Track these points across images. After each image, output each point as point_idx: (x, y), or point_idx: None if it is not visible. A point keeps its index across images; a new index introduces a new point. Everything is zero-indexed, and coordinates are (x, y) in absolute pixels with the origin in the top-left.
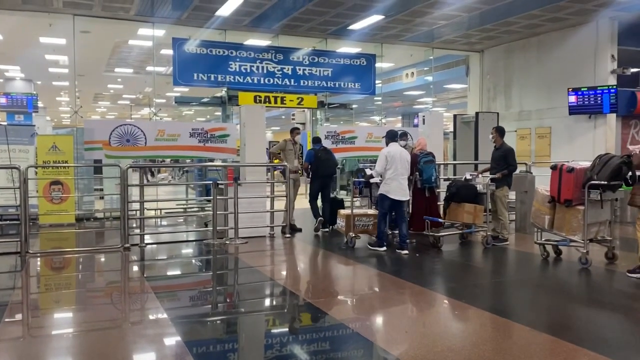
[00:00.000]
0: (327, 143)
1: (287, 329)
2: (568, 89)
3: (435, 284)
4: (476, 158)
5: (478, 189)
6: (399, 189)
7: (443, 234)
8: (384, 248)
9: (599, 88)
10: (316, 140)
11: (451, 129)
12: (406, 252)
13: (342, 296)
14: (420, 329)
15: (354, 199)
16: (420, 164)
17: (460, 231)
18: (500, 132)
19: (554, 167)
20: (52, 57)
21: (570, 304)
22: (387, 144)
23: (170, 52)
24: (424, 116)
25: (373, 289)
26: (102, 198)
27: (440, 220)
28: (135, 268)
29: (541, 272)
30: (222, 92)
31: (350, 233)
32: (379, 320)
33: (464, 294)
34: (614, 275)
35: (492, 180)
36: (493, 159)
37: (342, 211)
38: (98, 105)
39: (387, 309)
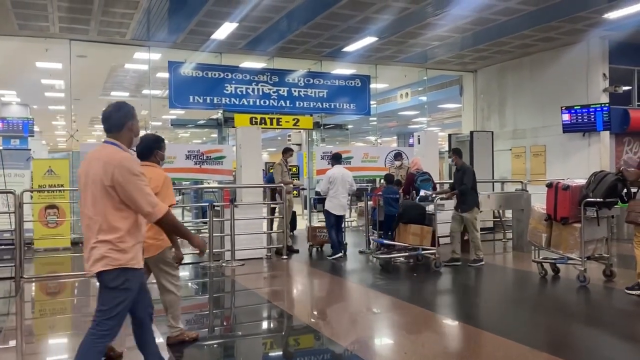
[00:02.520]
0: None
1: (284, 352)
2: (561, 107)
3: (438, 305)
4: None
5: (427, 209)
6: (339, 206)
7: (387, 256)
8: (340, 254)
9: (592, 106)
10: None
11: (447, 148)
12: (339, 255)
13: (338, 317)
14: (419, 350)
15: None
16: (417, 182)
17: (406, 253)
18: (457, 153)
19: (549, 185)
20: (48, 82)
21: (569, 322)
22: (332, 166)
23: (166, 75)
24: (419, 136)
25: (371, 309)
26: None
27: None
28: None
29: (540, 291)
30: (218, 114)
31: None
32: (376, 340)
33: (462, 313)
34: (612, 293)
35: (442, 199)
36: (454, 180)
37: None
38: (94, 128)
39: (384, 329)
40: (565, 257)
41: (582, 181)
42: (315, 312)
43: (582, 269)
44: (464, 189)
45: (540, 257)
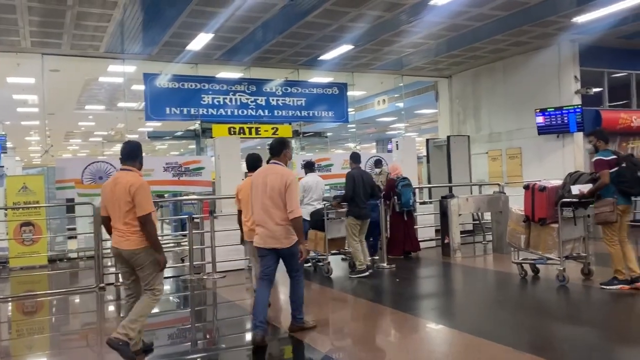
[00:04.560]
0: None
1: None
2: (535, 109)
3: (418, 308)
4: (450, 180)
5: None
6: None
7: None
8: (309, 264)
9: (564, 108)
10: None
11: (425, 153)
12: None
13: (323, 326)
14: (404, 354)
15: None
16: (399, 187)
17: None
18: (351, 158)
19: (526, 187)
20: (20, 97)
21: (551, 322)
22: (305, 174)
23: (141, 87)
24: (397, 142)
25: (356, 317)
26: (74, 237)
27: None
28: (112, 308)
29: (520, 292)
30: (195, 125)
31: None
32: (362, 349)
33: (445, 316)
34: (591, 291)
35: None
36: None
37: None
38: (69, 143)
39: (367, 336)
40: (544, 258)
41: (558, 182)
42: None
43: (561, 268)
44: (345, 195)
45: (520, 258)
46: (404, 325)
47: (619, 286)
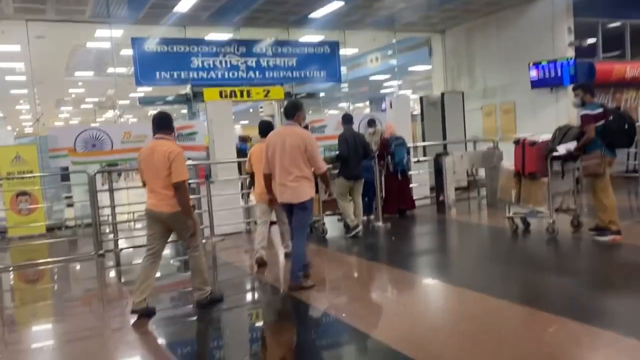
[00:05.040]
0: None
1: (270, 322)
2: (529, 63)
3: (414, 265)
4: (444, 138)
5: None
6: None
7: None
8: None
9: (558, 61)
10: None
11: (419, 111)
12: None
13: (321, 285)
14: (401, 309)
15: None
16: (392, 147)
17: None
18: (343, 119)
19: (516, 142)
20: (7, 65)
21: (542, 273)
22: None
23: (130, 52)
24: (390, 101)
25: (353, 276)
26: (71, 206)
27: None
28: (111, 274)
29: (512, 245)
30: (186, 90)
31: None
32: (360, 306)
33: (438, 271)
34: (581, 242)
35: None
36: None
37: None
38: (61, 111)
39: (365, 293)
40: (535, 211)
41: (548, 136)
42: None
43: (551, 221)
44: (340, 155)
45: (512, 213)
46: (400, 281)
47: (612, 237)
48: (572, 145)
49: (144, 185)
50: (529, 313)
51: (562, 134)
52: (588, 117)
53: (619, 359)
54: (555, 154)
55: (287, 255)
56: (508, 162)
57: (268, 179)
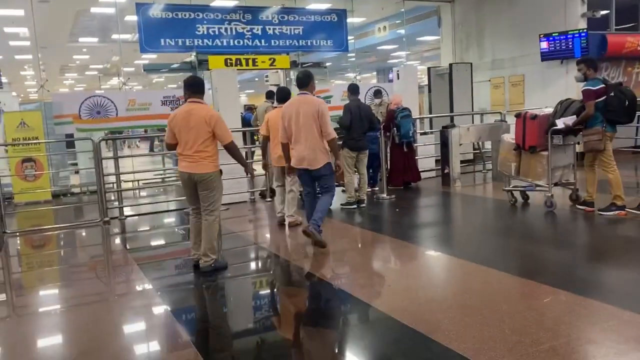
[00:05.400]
0: None
1: (273, 291)
2: (539, 35)
3: (416, 237)
4: (451, 110)
5: None
6: None
7: None
8: None
9: (569, 32)
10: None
11: (426, 82)
12: None
13: (324, 255)
14: (404, 281)
15: None
16: (398, 119)
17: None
18: (349, 90)
19: (518, 115)
20: (11, 30)
21: (541, 246)
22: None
23: (135, 18)
24: (397, 71)
25: (356, 246)
26: (77, 173)
27: None
28: (116, 241)
29: (513, 218)
30: (191, 57)
31: None
32: (360, 274)
33: (442, 244)
34: (578, 216)
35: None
36: None
37: None
38: (65, 77)
39: (367, 264)
40: (534, 185)
41: (550, 110)
42: (300, 250)
43: (550, 195)
44: (341, 127)
45: (511, 186)
46: (402, 253)
47: (617, 212)
48: (570, 120)
49: (169, 148)
50: (529, 286)
51: (563, 108)
52: (589, 93)
53: (618, 331)
54: (554, 127)
55: (290, 225)
56: (509, 135)
57: (286, 148)
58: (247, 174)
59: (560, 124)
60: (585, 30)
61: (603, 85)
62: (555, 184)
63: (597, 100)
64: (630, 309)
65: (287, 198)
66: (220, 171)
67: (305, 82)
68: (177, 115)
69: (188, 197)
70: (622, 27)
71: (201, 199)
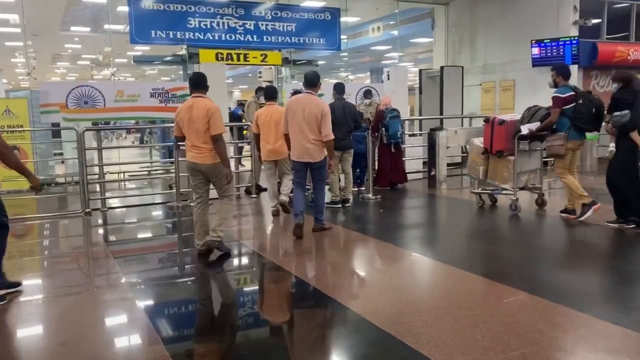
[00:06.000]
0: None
1: (250, 289)
2: (531, 40)
3: (398, 239)
4: (441, 113)
5: None
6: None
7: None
8: None
9: (561, 39)
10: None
11: (418, 84)
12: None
13: (304, 254)
14: (381, 283)
15: None
16: (387, 119)
17: None
18: (334, 89)
19: (486, 121)
20: (1, 16)
21: (518, 251)
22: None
23: (127, 8)
24: (388, 72)
25: (336, 245)
26: (62, 162)
27: None
28: (96, 233)
29: (476, 220)
30: (182, 50)
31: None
32: (339, 276)
33: (422, 246)
34: (543, 219)
35: None
36: None
37: None
38: (57, 66)
39: (346, 264)
40: (500, 188)
41: (518, 116)
42: (281, 250)
43: (515, 198)
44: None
45: (479, 189)
46: (382, 254)
47: (592, 209)
48: (534, 126)
49: (178, 141)
50: (505, 291)
51: (530, 115)
52: (557, 100)
53: (589, 340)
54: (520, 133)
55: (282, 204)
56: (478, 139)
57: (288, 137)
58: (225, 177)
59: (525, 130)
60: (576, 38)
61: (572, 93)
62: (522, 188)
63: (566, 107)
64: (603, 318)
65: (285, 180)
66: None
67: (315, 82)
68: (181, 110)
69: (193, 187)
70: (613, 36)
71: (215, 187)
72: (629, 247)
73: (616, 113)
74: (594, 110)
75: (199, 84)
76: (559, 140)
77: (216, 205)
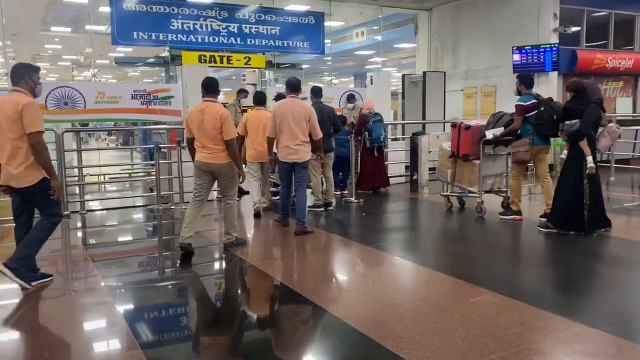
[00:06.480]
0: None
1: (228, 292)
2: (513, 47)
3: (379, 242)
4: (424, 118)
5: None
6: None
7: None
8: (277, 197)
9: (541, 46)
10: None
11: (401, 89)
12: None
13: (286, 257)
14: (362, 286)
15: None
16: (370, 123)
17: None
18: (311, 92)
19: (453, 125)
20: None
21: (498, 255)
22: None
23: (108, 9)
24: (372, 76)
25: (318, 249)
26: None
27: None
28: (74, 236)
29: (443, 221)
30: (165, 52)
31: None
32: (320, 280)
33: (403, 249)
34: (505, 221)
35: None
36: None
37: None
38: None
39: (328, 267)
40: (467, 191)
41: (484, 122)
42: (263, 253)
43: (480, 201)
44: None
45: (448, 191)
46: (363, 257)
47: (513, 216)
48: (498, 131)
49: (188, 142)
50: (485, 294)
51: (495, 120)
52: (519, 108)
53: (567, 343)
54: (485, 138)
55: (264, 209)
56: (446, 143)
57: (272, 142)
58: (233, 179)
59: (489, 135)
60: (556, 45)
61: (535, 101)
62: (488, 191)
63: (529, 115)
64: (581, 321)
65: (258, 186)
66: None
67: (298, 87)
68: (192, 113)
69: (197, 186)
70: (592, 44)
71: (221, 187)
72: (598, 250)
73: (567, 122)
74: (554, 116)
75: (211, 88)
76: (523, 146)
77: (219, 208)
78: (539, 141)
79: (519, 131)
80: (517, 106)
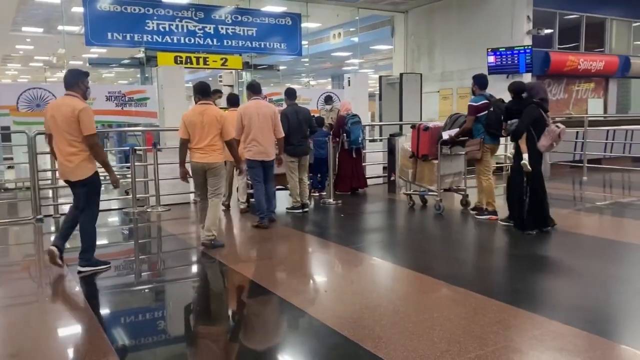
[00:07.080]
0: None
1: (205, 296)
2: (487, 49)
3: (358, 243)
4: (401, 119)
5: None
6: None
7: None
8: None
9: (515, 48)
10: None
11: (378, 90)
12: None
13: (264, 259)
14: (340, 287)
15: None
16: (348, 125)
17: None
18: (285, 94)
19: (413, 126)
20: None
21: (451, 250)
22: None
23: (82, 9)
24: (349, 78)
25: (296, 250)
26: (11, 167)
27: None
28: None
29: (405, 218)
30: (140, 53)
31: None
32: (299, 282)
33: (381, 250)
34: (466, 218)
35: None
36: None
37: None
38: (7, 67)
39: (305, 269)
40: (427, 190)
41: (442, 123)
42: (241, 255)
43: (439, 199)
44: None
45: (410, 190)
46: (341, 258)
47: (489, 216)
48: (454, 131)
49: (183, 143)
50: (462, 294)
51: (452, 121)
52: (470, 108)
53: (542, 341)
54: (442, 139)
55: (242, 211)
56: (407, 144)
57: (238, 143)
58: (239, 172)
59: (445, 135)
60: (530, 47)
61: (486, 101)
62: (448, 190)
63: (480, 115)
64: (557, 319)
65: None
66: (225, 162)
67: (260, 89)
68: (189, 115)
69: (197, 186)
70: (565, 46)
71: (209, 184)
72: (570, 247)
73: (509, 122)
74: (502, 116)
75: (206, 92)
76: (475, 145)
77: (205, 205)
78: (489, 140)
79: (472, 131)
80: (468, 106)
